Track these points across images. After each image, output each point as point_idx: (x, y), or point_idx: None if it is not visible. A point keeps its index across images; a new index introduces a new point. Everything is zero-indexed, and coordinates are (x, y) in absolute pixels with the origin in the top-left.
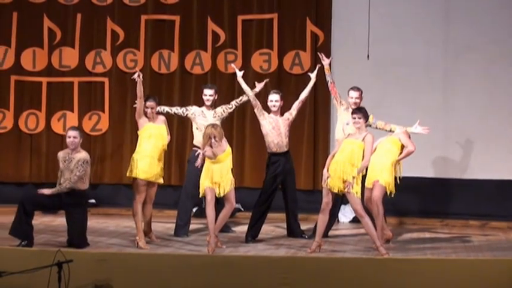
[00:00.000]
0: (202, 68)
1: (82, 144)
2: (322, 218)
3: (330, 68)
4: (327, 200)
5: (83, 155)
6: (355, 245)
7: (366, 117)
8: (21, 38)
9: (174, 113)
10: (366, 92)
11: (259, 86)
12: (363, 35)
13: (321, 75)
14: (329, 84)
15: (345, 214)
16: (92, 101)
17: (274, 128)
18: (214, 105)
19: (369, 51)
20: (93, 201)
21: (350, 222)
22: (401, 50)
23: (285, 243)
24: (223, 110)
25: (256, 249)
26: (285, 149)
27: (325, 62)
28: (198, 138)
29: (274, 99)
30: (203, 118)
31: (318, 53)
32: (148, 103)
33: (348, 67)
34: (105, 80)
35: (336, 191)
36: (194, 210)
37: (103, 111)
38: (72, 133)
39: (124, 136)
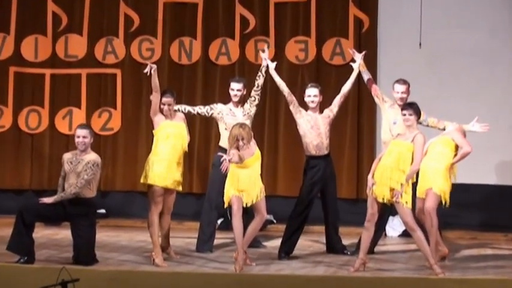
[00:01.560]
0: (229, 58)
1: (91, 145)
2: (367, 232)
3: (377, 58)
4: (372, 211)
5: (93, 156)
6: (405, 263)
7: (417, 113)
8: (21, 24)
9: (197, 113)
10: (417, 86)
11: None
12: (414, 20)
13: (367, 63)
14: (366, 81)
15: (394, 227)
16: (102, 96)
17: (313, 128)
18: (242, 101)
19: (421, 39)
20: (102, 211)
21: (399, 236)
22: (459, 37)
23: (324, 261)
24: (250, 105)
25: (291, 267)
26: (326, 152)
27: (358, 57)
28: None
29: (312, 93)
30: (232, 117)
31: (349, 49)
32: (165, 99)
33: (397, 57)
34: (117, 71)
35: (382, 200)
36: (219, 222)
37: (115, 107)
38: (81, 132)
39: (139, 136)
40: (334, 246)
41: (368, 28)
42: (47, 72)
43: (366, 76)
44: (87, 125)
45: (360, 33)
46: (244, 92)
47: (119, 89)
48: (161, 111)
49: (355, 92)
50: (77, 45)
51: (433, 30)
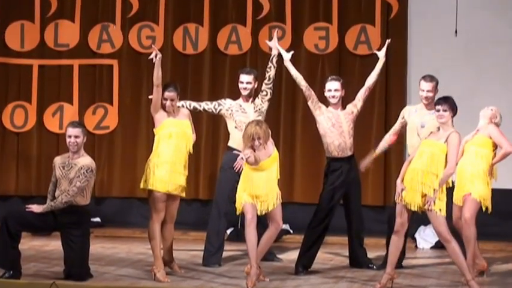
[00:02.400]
0: (240, 47)
1: (84, 144)
2: (396, 243)
3: (406, 48)
4: (401, 220)
5: (87, 161)
6: (438, 278)
7: (453, 109)
8: (5, 9)
9: (204, 109)
10: (453, 78)
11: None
12: (449, 3)
13: (396, 52)
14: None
15: (425, 238)
16: (96, 90)
17: (335, 126)
18: (254, 96)
19: (457, 26)
20: (97, 220)
21: (432, 248)
22: (500, 23)
23: (347, 276)
24: (261, 101)
25: (309, 283)
26: (349, 153)
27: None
28: (237, 140)
29: (333, 87)
30: (243, 114)
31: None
32: (167, 93)
33: (430, 46)
34: (114, 62)
35: (413, 208)
36: (228, 232)
37: (111, 103)
38: (73, 131)
39: (138, 136)
40: (358, 259)
41: (397, 13)
42: (35, 63)
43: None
44: (79, 123)
45: (387, 19)
46: (256, 85)
47: (116, 82)
48: (163, 107)
49: (382, 83)
50: (68, 32)
51: (470, 15)
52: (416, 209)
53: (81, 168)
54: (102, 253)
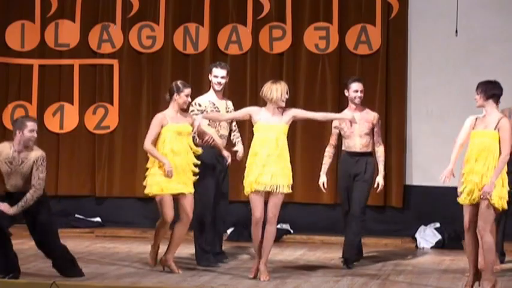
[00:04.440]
0: (240, 47)
1: (84, 144)
2: (468, 242)
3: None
4: (468, 217)
5: (38, 152)
6: (438, 278)
7: (485, 91)
8: (6, 9)
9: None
10: (453, 77)
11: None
12: (449, 3)
13: (396, 52)
14: None
15: (426, 238)
16: (97, 89)
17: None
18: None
19: (457, 25)
20: (98, 219)
21: (432, 248)
22: (501, 22)
23: (348, 275)
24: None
25: (310, 283)
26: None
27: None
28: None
29: (359, 88)
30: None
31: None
32: (188, 90)
33: (430, 46)
34: (114, 62)
35: (472, 201)
36: (229, 232)
37: (111, 103)
38: (34, 126)
39: (138, 135)
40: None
41: (397, 13)
42: (35, 62)
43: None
44: (35, 118)
45: (388, 19)
46: (227, 80)
47: (116, 82)
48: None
49: (383, 83)
50: (68, 32)
51: (471, 15)
52: (475, 202)
53: (37, 160)
54: (103, 253)
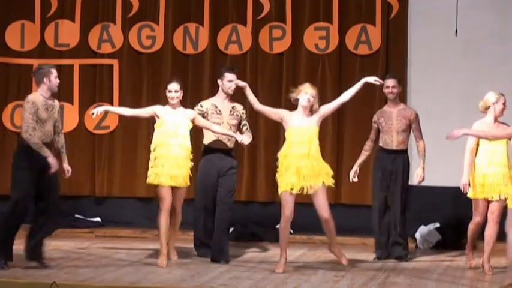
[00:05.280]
0: (240, 47)
1: (84, 144)
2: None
3: (407, 48)
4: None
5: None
6: (438, 279)
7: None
8: (6, 8)
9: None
10: (454, 78)
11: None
12: (449, 3)
13: (396, 52)
14: None
15: (426, 238)
16: (97, 89)
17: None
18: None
19: (457, 25)
20: (98, 219)
21: (432, 248)
22: (501, 22)
23: (347, 275)
24: (244, 118)
25: (310, 283)
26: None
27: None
28: (211, 138)
29: (391, 84)
30: (218, 115)
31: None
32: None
33: (430, 46)
34: (114, 62)
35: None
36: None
37: (111, 103)
38: (56, 72)
39: (138, 135)
40: None
41: (397, 13)
42: (35, 62)
43: None
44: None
45: (388, 19)
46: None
47: (116, 82)
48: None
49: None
50: (68, 32)
51: (471, 15)
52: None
53: (59, 107)
54: (103, 253)
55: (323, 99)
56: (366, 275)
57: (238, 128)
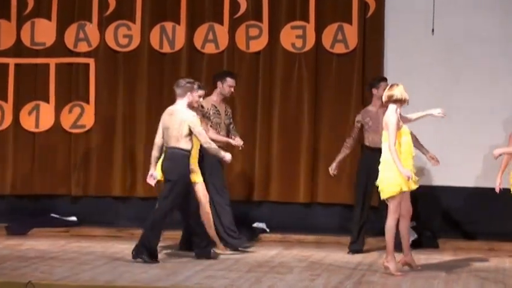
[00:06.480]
0: (217, 45)
1: (60, 143)
2: None
3: (383, 47)
4: None
5: None
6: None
7: None
8: None
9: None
10: (430, 78)
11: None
12: (426, 2)
13: (373, 51)
14: None
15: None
16: (73, 88)
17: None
18: None
19: (434, 24)
20: (74, 218)
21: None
22: (477, 22)
23: (323, 274)
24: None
25: (285, 282)
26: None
27: None
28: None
29: (385, 87)
30: (218, 116)
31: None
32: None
33: (407, 45)
34: (91, 61)
35: None
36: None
37: (87, 102)
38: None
39: (114, 134)
40: None
41: (374, 12)
42: (11, 61)
43: None
44: None
45: (365, 18)
46: None
47: (92, 81)
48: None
49: (359, 83)
50: (44, 31)
51: (447, 14)
52: None
53: None
54: (78, 252)
55: (299, 98)
56: (341, 273)
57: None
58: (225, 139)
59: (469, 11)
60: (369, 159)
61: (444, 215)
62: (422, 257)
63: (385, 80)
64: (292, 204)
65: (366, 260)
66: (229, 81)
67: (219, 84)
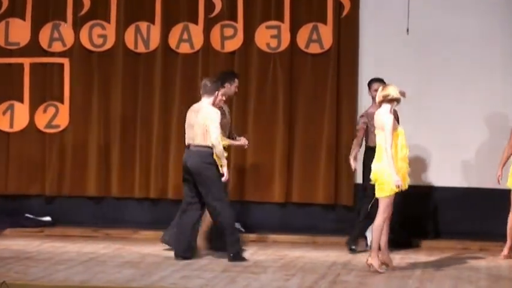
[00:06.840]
0: (192, 45)
1: (34, 143)
2: None
3: (358, 47)
4: None
5: None
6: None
7: None
8: None
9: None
10: (404, 77)
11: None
12: (401, 2)
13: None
14: None
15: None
16: (47, 88)
17: None
18: None
19: (408, 24)
20: (48, 218)
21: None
22: (452, 22)
23: (298, 274)
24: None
25: (260, 281)
26: None
27: None
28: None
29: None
30: (224, 116)
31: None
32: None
33: (381, 45)
34: (65, 61)
35: None
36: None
37: (62, 101)
38: None
39: (89, 134)
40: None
41: (349, 12)
42: None
43: None
44: None
45: (339, 18)
46: None
47: (67, 81)
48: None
49: (333, 83)
50: (19, 31)
51: (422, 14)
52: None
53: None
54: (53, 252)
55: (274, 98)
56: (316, 273)
57: None
58: (236, 143)
59: (443, 11)
60: (372, 159)
61: (418, 214)
62: (397, 257)
63: (380, 80)
64: (268, 204)
65: (340, 259)
66: (237, 82)
67: (227, 85)
